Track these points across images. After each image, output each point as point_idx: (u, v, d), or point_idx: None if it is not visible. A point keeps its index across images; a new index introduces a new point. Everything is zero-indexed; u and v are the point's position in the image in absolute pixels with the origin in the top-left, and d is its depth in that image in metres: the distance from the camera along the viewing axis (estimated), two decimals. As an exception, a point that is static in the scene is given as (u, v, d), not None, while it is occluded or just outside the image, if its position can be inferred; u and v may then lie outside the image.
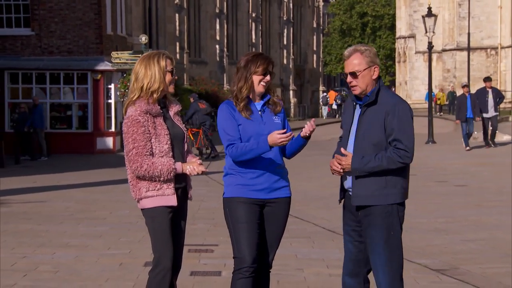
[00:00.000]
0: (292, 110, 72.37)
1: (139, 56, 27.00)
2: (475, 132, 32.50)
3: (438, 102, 66.99)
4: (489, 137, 29.50)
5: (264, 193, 6.10)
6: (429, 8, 37.69)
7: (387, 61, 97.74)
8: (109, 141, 33.92)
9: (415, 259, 9.97)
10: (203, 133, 29.05)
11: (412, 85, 78.65)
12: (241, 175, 6.10)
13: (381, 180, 5.89)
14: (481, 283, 8.67)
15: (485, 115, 28.61)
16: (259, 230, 6.12)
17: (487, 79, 29.45)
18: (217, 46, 63.37)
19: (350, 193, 5.99)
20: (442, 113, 64.82)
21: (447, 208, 15.04)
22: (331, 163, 5.94)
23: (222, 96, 51.83)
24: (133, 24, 45.33)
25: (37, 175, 23.48)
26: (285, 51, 77.52)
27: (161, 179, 5.97)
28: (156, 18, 54.98)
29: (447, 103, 65.80)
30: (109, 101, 33.99)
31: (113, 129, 33.77)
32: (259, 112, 6.17)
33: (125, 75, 28.99)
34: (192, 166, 6.05)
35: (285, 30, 78.11)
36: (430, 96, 37.52)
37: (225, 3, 65.04)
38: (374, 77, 5.92)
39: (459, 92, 63.29)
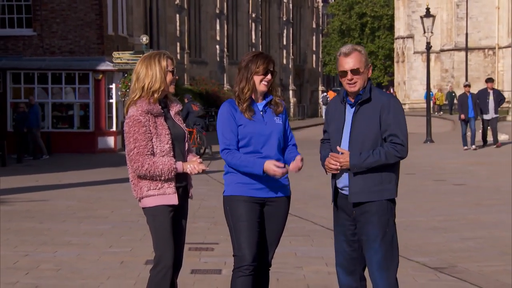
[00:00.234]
0: (291, 109, 72.34)
1: (140, 56, 26.99)
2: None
3: (437, 102, 67.01)
4: (486, 136, 29.40)
5: (264, 192, 6.10)
6: (427, 9, 37.69)
7: (386, 61, 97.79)
8: (111, 141, 33.92)
9: (414, 257, 9.98)
10: (197, 132, 29.14)
11: (411, 85, 78.68)
12: (241, 173, 6.11)
13: (378, 177, 5.92)
14: (479, 281, 8.67)
15: (485, 116, 28.47)
16: (259, 229, 6.12)
17: (489, 80, 29.25)
18: (217, 46, 63.36)
19: (344, 192, 6.00)
20: (442, 113, 64.86)
21: (445, 207, 15.04)
22: (327, 162, 5.94)
23: (223, 96, 51.87)
24: (134, 24, 45.31)
25: (39, 174, 23.48)
26: (284, 51, 77.50)
27: (162, 178, 5.97)
28: (157, 18, 54.97)
29: (446, 103, 65.80)
30: (111, 100, 34.00)
31: (114, 128, 33.78)
32: (261, 112, 6.17)
33: (126, 75, 28.96)
34: (193, 165, 6.06)
35: (285, 31, 78.09)
36: (428, 96, 37.50)
37: (225, 4, 65.04)
38: (369, 75, 6.01)
39: (457, 92, 63.42)
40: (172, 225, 6.06)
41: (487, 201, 15.86)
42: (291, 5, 79.68)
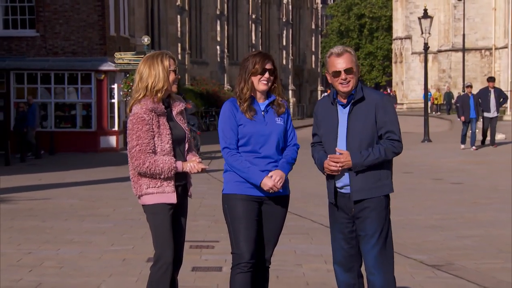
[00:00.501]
0: (291, 109, 72.40)
1: (141, 57, 27.00)
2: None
3: (435, 102, 67.02)
4: (486, 136, 29.31)
5: (262, 191, 6.09)
6: (425, 10, 37.71)
7: (384, 62, 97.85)
8: (113, 140, 33.94)
9: (411, 255, 9.98)
10: (190, 132, 29.12)
11: (408, 85, 78.72)
12: None
13: (377, 174, 5.96)
14: (476, 278, 8.67)
15: (486, 114, 28.28)
16: (257, 227, 6.11)
17: (491, 79, 29.19)
18: (217, 47, 63.38)
19: (343, 191, 6.00)
20: (440, 112, 64.85)
21: (443, 205, 15.04)
22: (326, 164, 5.94)
23: (223, 96, 51.89)
24: (136, 25, 45.32)
25: (42, 173, 23.48)
26: (284, 52, 77.55)
27: (162, 176, 5.97)
28: (158, 19, 54.99)
29: (443, 103, 65.80)
30: (112, 100, 34.01)
31: (116, 128, 33.80)
32: (262, 112, 6.15)
33: (128, 75, 28.97)
34: (192, 164, 6.06)
35: (284, 32, 78.13)
36: (426, 96, 37.50)
37: (225, 5, 65.06)
38: (358, 76, 6.02)
39: (454, 91, 63.43)
40: (172, 223, 6.06)
41: (484, 199, 15.86)
42: (290, 6, 79.72)
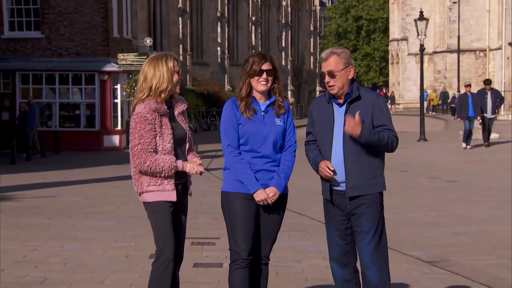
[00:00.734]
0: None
1: (144, 58, 27.09)
2: (461, 132, 32.49)
3: (432, 102, 67.02)
4: (489, 136, 29.11)
5: None
6: (421, 12, 37.70)
7: (381, 63, 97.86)
8: (116, 139, 33.95)
9: (408, 251, 9.98)
10: None
11: (405, 85, 78.73)
12: None
13: (371, 171, 5.97)
14: (471, 274, 8.67)
15: (485, 115, 28.09)
16: (255, 225, 6.12)
17: (487, 82, 28.99)
18: (218, 48, 63.40)
19: (338, 188, 6.00)
20: (435, 113, 64.85)
21: (438, 203, 15.04)
22: (320, 168, 5.93)
23: (224, 96, 51.88)
24: (138, 27, 45.33)
25: (47, 172, 23.48)
26: (283, 53, 77.57)
27: (162, 175, 5.97)
28: (160, 21, 54.98)
29: (440, 103, 65.76)
30: (116, 100, 34.03)
31: (119, 127, 33.81)
32: (262, 113, 6.14)
33: (130, 76, 28.97)
34: (192, 165, 6.06)
35: (284, 33, 78.16)
36: (422, 96, 37.51)
37: (226, 7, 65.08)
38: (350, 77, 6.01)
39: (450, 92, 63.44)
40: (172, 220, 6.06)
41: (478, 197, 15.86)
42: (289, 8, 79.74)
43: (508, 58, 53.70)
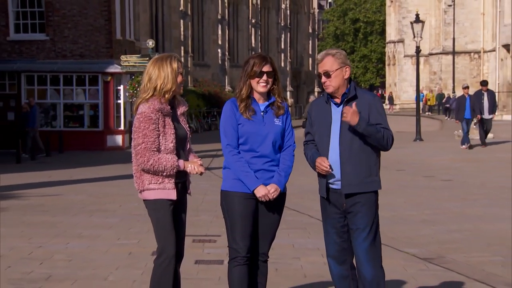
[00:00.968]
0: (289, 109, 72.39)
1: (146, 60, 27.12)
2: (460, 131, 32.45)
3: (428, 102, 67.02)
4: (485, 137, 28.93)
5: None
6: (417, 15, 37.70)
7: (378, 64, 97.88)
8: (119, 139, 33.95)
9: (404, 248, 9.99)
10: None
11: (401, 86, 78.75)
12: None
13: (367, 169, 5.98)
14: (466, 271, 8.68)
15: (483, 116, 27.86)
16: (254, 223, 6.12)
17: (484, 83, 28.84)
18: (219, 50, 63.39)
19: (334, 186, 6.01)
20: (431, 113, 64.82)
21: (434, 201, 15.05)
22: (317, 163, 5.95)
23: (224, 97, 51.88)
24: (141, 29, 45.32)
25: (52, 171, 23.49)
26: (282, 55, 77.54)
27: (164, 174, 5.97)
28: (162, 24, 54.97)
29: (436, 103, 65.74)
30: (119, 101, 34.03)
31: (122, 127, 33.82)
32: (262, 113, 6.14)
33: (133, 77, 28.97)
34: (193, 165, 6.06)
35: (283, 35, 78.14)
36: (418, 96, 37.51)
37: (226, 10, 65.07)
38: (346, 76, 6.04)
39: (446, 93, 63.40)
40: (172, 218, 6.06)
41: (473, 195, 15.86)
42: (288, 11, 79.72)
43: (502, 59, 53.71)
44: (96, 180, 20.16)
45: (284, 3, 78.90)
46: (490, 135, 30.18)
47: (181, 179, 6.12)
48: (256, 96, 6.15)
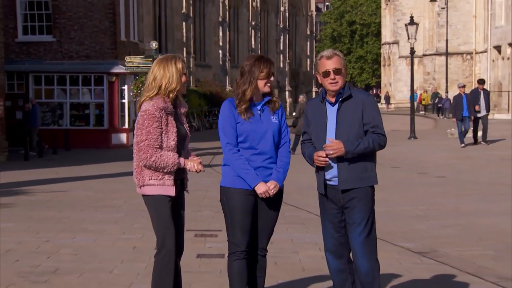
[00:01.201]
0: (288, 108, 72.42)
1: (150, 60, 27.13)
2: (452, 129, 32.44)
3: (423, 102, 66.99)
4: (477, 135, 28.68)
5: None
6: (411, 17, 37.70)
7: (374, 65, 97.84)
8: (123, 137, 33.96)
9: (399, 242, 9.99)
10: None
11: (396, 86, 78.73)
12: None
13: (363, 165, 5.98)
14: (458, 264, 8.68)
15: (478, 114, 27.58)
16: (253, 218, 6.12)
17: (481, 81, 28.65)
18: (220, 51, 63.39)
19: (332, 183, 6.01)
20: (425, 112, 64.78)
21: (428, 197, 15.05)
22: (315, 156, 5.96)
23: (225, 97, 51.86)
24: (145, 31, 45.31)
25: (59, 167, 23.50)
26: (281, 55, 77.54)
27: (165, 170, 5.94)
28: (165, 26, 54.97)
29: (431, 102, 65.70)
30: (123, 101, 34.03)
31: (126, 126, 33.82)
32: (259, 111, 6.15)
33: (137, 77, 28.96)
34: (193, 163, 6.05)
35: (282, 37, 78.13)
36: (412, 96, 37.50)
37: (227, 13, 65.07)
38: (345, 77, 6.05)
39: (440, 92, 63.38)
40: (172, 213, 6.05)
41: (465, 192, 15.87)
42: (287, 13, 79.72)
43: (493, 60, 53.72)
44: (101, 177, 20.16)
45: (283, 6, 78.89)
46: (481, 133, 29.97)
47: (180, 177, 6.12)
48: (254, 96, 6.16)
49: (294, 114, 29.22)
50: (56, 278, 8.12)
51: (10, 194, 16.04)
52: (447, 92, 59.89)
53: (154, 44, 29.86)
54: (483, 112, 27.68)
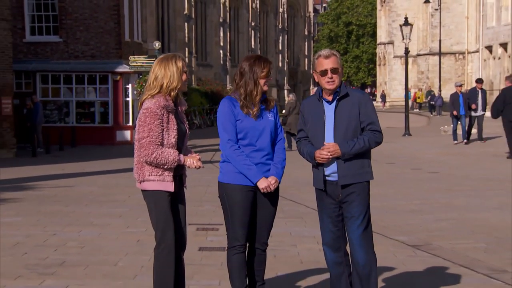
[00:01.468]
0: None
1: (153, 60, 27.07)
2: (445, 126, 32.44)
3: (418, 100, 67.00)
4: (471, 133, 28.41)
5: None
6: (406, 18, 37.69)
7: (369, 64, 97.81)
8: (127, 134, 33.94)
9: (394, 236, 9.99)
10: None
11: (391, 85, 78.73)
12: None
13: (360, 162, 5.99)
14: (451, 256, 8.69)
15: (473, 113, 27.31)
16: (252, 213, 6.13)
17: (479, 81, 28.13)
18: (221, 51, 63.36)
19: (330, 178, 6.01)
20: (419, 110, 64.79)
21: (422, 192, 15.05)
22: (317, 153, 5.95)
23: (226, 95, 51.85)
24: (148, 32, 45.27)
25: (65, 164, 23.49)
26: (280, 55, 77.51)
27: (166, 167, 5.93)
28: (168, 26, 54.93)
29: (426, 100, 65.76)
30: (127, 99, 34.02)
31: (130, 123, 33.80)
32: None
33: (141, 76, 28.96)
34: (192, 160, 6.04)
35: (280, 37, 78.09)
36: (406, 95, 37.49)
37: (228, 14, 65.03)
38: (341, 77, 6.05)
39: (435, 90, 63.38)
40: (172, 210, 6.04)
41: (458, 187, 15.87)
42: (286, 15, 79.69)
43: (484, 60, 53.71)
44: (106, 173, 20.16)
45: (281, 7, 78.85)
46: (474, 130, 29.91)
47: (179, 173, 6.10)
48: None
49: (283, 112, 29.16)
50: (63, 270, 8.12)
51: (18, 189, 16.04)
52: (440, 90, 59.90)
53: (157, 44, 29.85)
54: (480, 112, 27.46)
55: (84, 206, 13.37)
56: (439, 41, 63.60)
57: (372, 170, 6.11)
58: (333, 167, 5.99)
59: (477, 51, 59.17)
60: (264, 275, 6.33)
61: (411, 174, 18.74)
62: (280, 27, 77.92)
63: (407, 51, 35.91)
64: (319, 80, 6.05)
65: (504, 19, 49.49)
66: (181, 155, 5.99)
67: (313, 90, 27.59)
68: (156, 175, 5.97)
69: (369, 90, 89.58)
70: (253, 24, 70.55)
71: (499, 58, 50.26)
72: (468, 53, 68.49)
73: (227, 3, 64.75)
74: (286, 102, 29.28)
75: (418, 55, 72.55)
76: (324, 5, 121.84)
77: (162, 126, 5.92)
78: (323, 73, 5.98)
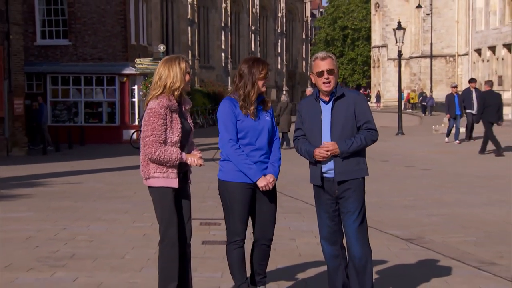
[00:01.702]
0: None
1: (158, 62, 27.00)
2: (436, 126, 32.44)
3: (411, 101, 67.03)
4: (471, 132, 28.06)
5: None
6: (399, 23, 37.70)
7: (364, 66, 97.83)
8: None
9: (388, 230, 9.99)
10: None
11: (385, 86, 78.76)
12: None
13: (356, 159, 5.98)
14: (443, 250, 8.69)
15: (469, 110, 26.75)
16: (251, 209, 6.13)
17: (472, 80, 27.62)
18: (222, 54, 63.37)
19: (327, 175, 6.01)
20: (412, 110, 64.80)
21: (415, 188, 15.05)
22: (317, 152, 5.95)
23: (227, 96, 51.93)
24: (153, 35, 45.28)
25: (74, 161, 23.49)
26: (279, 58, 77.50)
27: (168, 164, 5.92)
28: (172, 30, 54.91)
29: (418, 101, 65.79)
30: (133, 99, 34.04)
31: (136, 123, 33.81)
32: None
33: (146, 78, 28.96)
34: (193, 158, 6.03)
35: (279, 41, 78.08)
36: (399, 95, 37.51)
37: (229, 18, 65.03)
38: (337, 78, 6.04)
39: (427, 92, 63.38)
40: (177, 205, 6.03)
41: (449, 183, 15.87)
42: (284, 19, 79.67)
43: (474, 62, 53.71)
44: (113, 170, 20.15)
45: (280, 12, 78.84)
46: (463, 130, 29.83)
47: (183, 170, 6.10)
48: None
49: (275, 112, 29.18)
50: (73, 263, 8.12)
51: (30, 186, 16.05)
52: (431, 91, 59.91)
53: (161, 47, 29.84)
54: (474, 111, 27.02)
55: (93, 202, 13.37)
56: (431, 45, 63.67)
57: (367, 167, 6.11)
58: (330, 165, 5.98)
59: (466, 54, 59.21)
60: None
61: (404, 171, 18.74)
62: (279, 31, 77.88)
63: (400, 54, 35.92)
64: (316, 81, 6.04)
65: (492, 23, 49.50)
66: (183, 153, 5.98)
67: (308, 90, 27.52)
68: (161, 172, 5.96)
69: (364, 91, 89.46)
70: (253, 28, 70.54)
71: (488, 61, 50.27)
72: (458, 56, 68.52)
73: (228, 8, 64.75)
74: (278, 103, 29.23)
75: (411, 57, 72.57)
76: (321, 10, 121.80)
77: (165, 125, 5.91)
78: (320, 74, 5.97)
